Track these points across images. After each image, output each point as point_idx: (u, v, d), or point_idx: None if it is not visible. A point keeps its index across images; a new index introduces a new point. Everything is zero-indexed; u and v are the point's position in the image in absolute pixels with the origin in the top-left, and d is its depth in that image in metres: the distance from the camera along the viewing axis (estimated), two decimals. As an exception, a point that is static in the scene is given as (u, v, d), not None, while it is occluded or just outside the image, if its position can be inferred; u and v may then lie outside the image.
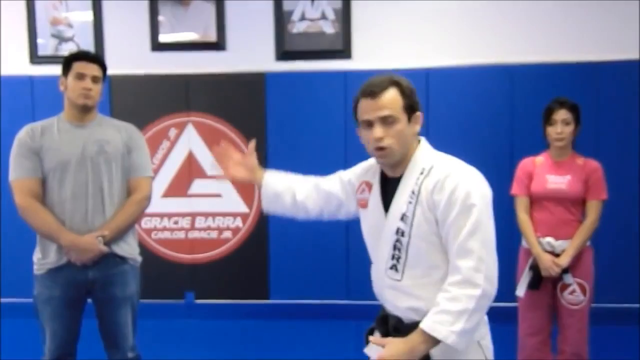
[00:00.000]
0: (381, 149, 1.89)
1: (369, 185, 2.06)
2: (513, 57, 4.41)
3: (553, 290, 3.30)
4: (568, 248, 3.24)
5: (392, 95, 1.89)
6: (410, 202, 1.88)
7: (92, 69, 2.88)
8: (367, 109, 1.90)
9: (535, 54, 4.41)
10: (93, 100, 2.89)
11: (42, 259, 2.86)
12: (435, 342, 1.79)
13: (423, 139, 2.00)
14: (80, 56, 2.93)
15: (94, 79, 2.88)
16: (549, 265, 3.21)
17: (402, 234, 1.90)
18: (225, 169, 2.35)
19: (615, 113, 4.32)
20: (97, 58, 2.93)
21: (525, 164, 3.40)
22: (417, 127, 1.95)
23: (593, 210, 3.28)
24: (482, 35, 4.49)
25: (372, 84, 1.91)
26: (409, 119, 1.92)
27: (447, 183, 1.84)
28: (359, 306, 4.42)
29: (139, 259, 3.02)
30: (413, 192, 1.89)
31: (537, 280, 3.26)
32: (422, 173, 1.90)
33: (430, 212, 1.86)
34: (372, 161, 2.11)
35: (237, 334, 4.48)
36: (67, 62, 2.90)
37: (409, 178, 1.92)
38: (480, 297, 1.78)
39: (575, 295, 3.26)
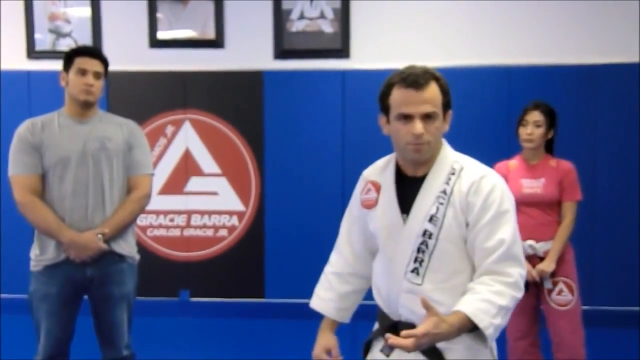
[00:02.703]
0: (419, 144, 1.82)
1: (376, 185, 1.97)
2: (511, 59, 4.40)
3: (536, 292, 3.29)
4: (550, 253, 3.24)
5: (434, 91, 1.82)
6: (441, 204, 1.82)
7: (94, 65, 2.87)
8: (408, 100, 1.81)
9: (534, 55, 4.40)
10: (94, 96, 2.88)
11: (40, 255, 2.85)
12: (468, 329, 1.73)
13: (444, 139, 1.95)
14: (82, 51, 2.92)
15: (96, 75, 2.87)
16: (528, 270, 3.16)
17: (430, 236, 1.83)
18: None
19: (614, 116, 4.31)
20: (99, 53, 2.93)
21: (499, 168, 3.35)
22: (447, 126, 1.90)
23: (569, 212, 3.31)
24: (480, 36, 4.48)
25: (414, 74, 1.81)
26: (443, 117, 1.87)
27: (483, 185, 1.81)
28: (354, 306, 4.40)
29: (137, 257, 3.01)
30: (445, 193, 1.82)
31: (525, 283, 3.24)
32: (453, 173, 1.84)
33: (462, 214, 1.81)
34: (379, 161, 2.04)
35: (232, 333, 4.47)
36: (69, 57, 2.89)
37: (436, 178, 1.86)
38: (518, 300, 1.80)
39: (564, 295, 3.26)
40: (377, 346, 2.00)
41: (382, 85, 1.91)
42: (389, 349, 1.94)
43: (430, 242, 1.83)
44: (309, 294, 4.84)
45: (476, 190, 1.81)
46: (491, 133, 4.36)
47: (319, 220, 4.53)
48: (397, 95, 1.84)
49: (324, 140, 4.53)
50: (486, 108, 4.37)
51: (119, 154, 2.90)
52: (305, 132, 4.57)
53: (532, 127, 3.32)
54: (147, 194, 3.00)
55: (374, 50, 4.55)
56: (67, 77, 2.88)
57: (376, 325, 2.07)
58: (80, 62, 2.85)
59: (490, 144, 4.30)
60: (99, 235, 2.79)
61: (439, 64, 4.52)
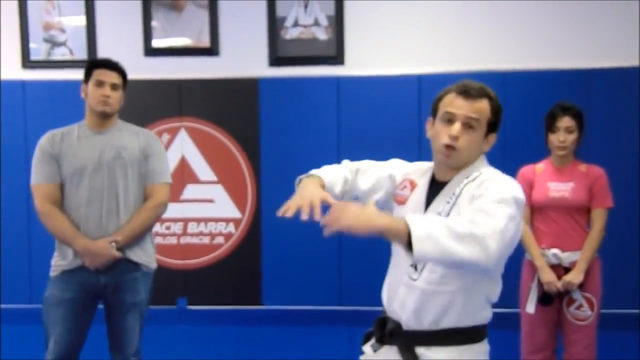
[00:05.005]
0: (451, 147, 1.86)
1: (412, 184, 2.01)
2: (506, 64, 4.42)
3: (559, 305, 3.16)
4: (579, 262, 3.09)
5: (484, 105, 1.88)
6: (447, 202, 1.85)
7: (111, 77, 2.93)
8: (457, 104, 1.88)
9: (529, 60, 4.43)
10: (111, 107, 2.93)
11: (59, 261, 2.90)
12: (396, 230, 1.63)
13: (483, 156, 1.98)
14: (100, 63, 2.99)
15: (113, 87, 2.92)
16: (552, 280, 3.07)
17: None
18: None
19: (611, 121, 4.33)
20: (116, 65, 2.98)
21: (525, 172, 3.24)
22: (487, 148, 1.94)
23: (599, 219, 3.14)
24: (475, 41, 4.51)
25: (470, 86, 1.89)
26: (486, 135, 1.91)
27: (488, 181, 1.82)
28: (350, 312, 4.41)
29: (153, 265, 3.03)
30: (453, 194, 1.86)
31: (548, 295, 3.12)
32: (467, 177, 1.88)
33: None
34: (425, 164, 2.08)
35: (230, 340, 4.47)
36: (88, 69, 2.95)
37: (455, 183, 1.90)
38: (478, 250, 1.62)
39: (583, 310, 3.11)
40: (372, 340, 2.03)
41: (440, 91, 1.98)
42: (377, 345, 1.98)
43: None
44: (306, 300, 4.87)
45: (479, 184, 1.83)
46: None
47: (316, 227, 4.53)
48: (448, 99, 1.92)
49: (320, 146, 4.54)
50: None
51: (134, 162, 2.93)
52: (301, 138, 4.58)
53: (565, 134, 3.13)
54: (163, 202, 3.02)
55: (368, 57, 4.57)
56: (86, 89, 2.93)
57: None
58: (98, 74, 2.91)
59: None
60: (112, 243, 2.83)
61: (432, 70, 4.57)
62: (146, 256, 2.98)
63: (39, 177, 2.90)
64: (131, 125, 3.06)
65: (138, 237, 2.92)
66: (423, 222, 1.64)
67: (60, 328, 2.86)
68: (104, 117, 2.93)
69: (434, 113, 1.97)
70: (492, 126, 1.92)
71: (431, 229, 1.61)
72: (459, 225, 1.63)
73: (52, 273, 2.92)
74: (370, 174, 2.15)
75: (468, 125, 1.87)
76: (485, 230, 1.63)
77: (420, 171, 2.05)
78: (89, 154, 2.88)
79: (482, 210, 1.69)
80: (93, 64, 2.98)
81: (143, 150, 2.97)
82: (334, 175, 2.09)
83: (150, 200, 2.97)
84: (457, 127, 1.86)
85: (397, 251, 1.99)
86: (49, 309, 2.88)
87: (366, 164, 2.17)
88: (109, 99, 2.90)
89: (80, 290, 2.86)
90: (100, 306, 2.99)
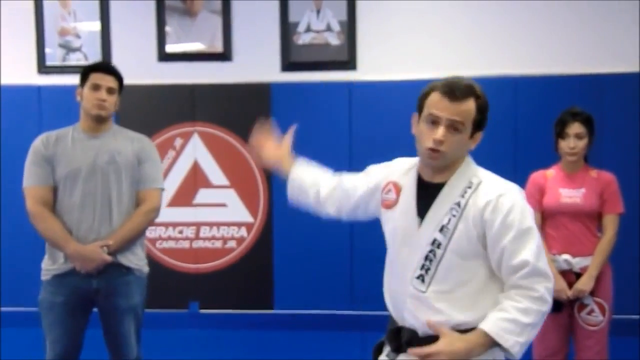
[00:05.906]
0: (436, 151, 1.86)
1: (397, 187, 2.00)
2: (517, 69, 4.42)
3: (570, 311, 3.17)
4: (590, 268, 3.10)
5: (470, 106, 1.86)
6: (453, 215, 1.84)
7: (108, 80, 2.93)
8: (441, 106, 1.86)
9: (540, 65, 4.42)
10: (107, 111, 2.94)
11: (50, 265, 2.90)
12: (493, 346, 1.79)
13: (469, 156, 1.98)
14: (97, 67, 3.00)
15: (109, 90, 2.93)
16: (562, 288, 3.08)
17: (438, 246, 1.85)
18: (260, 147, 2.36)
19: (622, 126, 4.31)
20: (113, 69, 2.99)
21: (536, 178, 3.26)
22: (473, 146, 1.93)
23: (611, 225, 3.17)
24: (487, 47, 4.50)
25: (455, 86, 1.86)
26: (472, 135, 1.90)
27: (501, 203, 1.82)
28: (363, 316, 4.41)
29: (146, 269, 3.03)
30: (459, 205, 1.85)
31: (558, 302, 3.08)
32: (469, 187, 1.87)
33: (474, 229, 1.83)
34: (406, 161, 2.07)
35: (242, 344, 4.48)
36: (84, 73, 2.96)
37: (453, 189, 1.89)
38: (545, 314, 1.82)
39: (594, 315, 3.13)
40: (386, 350, 2.02)
41: (426, 87, 1.95)
42: (393, 355, 1.96)
43: (438, 252, 1.85)
44: (318, 305, 4.87)
45: (494, 208, 1.82)
46: (496, 143, 4.36)
47: (328, 231, 4.54)
48: (434, 98, 1.89)
49: (332, 151, 4.53)
50: (492, 118, 4.35)
51: (128, 167, 2.94)
52: (313, 143, 4.55)
53: (575, 141, 3.16)
54: (155, 208, 3.02)
55: (380, 62, 4.58)
56: (82, 92, 2.94)
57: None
58: (94, 77, 2.92)
59: (496, 155, 4.29)
60: (103, 248, 2.83)
61: (444, 74, 4.54)
62: (138, 260, 2.98)
63: (31, 179, 2.90)
64: (126, 130, 3.07)
65: (130, 242, 2.93)
66: (511, 336, 1.77)
67: (54, 332, 2.87)
68: (99, 121, 2.94)
69: (420, 109, 1.95)
70: (478, 125, 1.90)
71: (518, 337, 1.77)
72: (531, 317, 1.79)
73: (44, 277, 2.91)
74: (359, 177, 2.18)
75: (453, 127, 1.85)
76: (545, 308, 1.82)
77: (402, 170, 2.04)
78: (82, 158, 2.89)
79: (533, 292, 1.80)
80: (90, 68, 2.99)
81: (137, 155, 2.97)
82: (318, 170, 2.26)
83: (143, 205, 2.97)
84: (441, 131, 1.85)
85: (397, 261, 1.98)
86: (43, 313, 2.90)
87: (347, 176, 2.23)
88: (104, 103, 2.91)
89: (71, 294, 2.86)
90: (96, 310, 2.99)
